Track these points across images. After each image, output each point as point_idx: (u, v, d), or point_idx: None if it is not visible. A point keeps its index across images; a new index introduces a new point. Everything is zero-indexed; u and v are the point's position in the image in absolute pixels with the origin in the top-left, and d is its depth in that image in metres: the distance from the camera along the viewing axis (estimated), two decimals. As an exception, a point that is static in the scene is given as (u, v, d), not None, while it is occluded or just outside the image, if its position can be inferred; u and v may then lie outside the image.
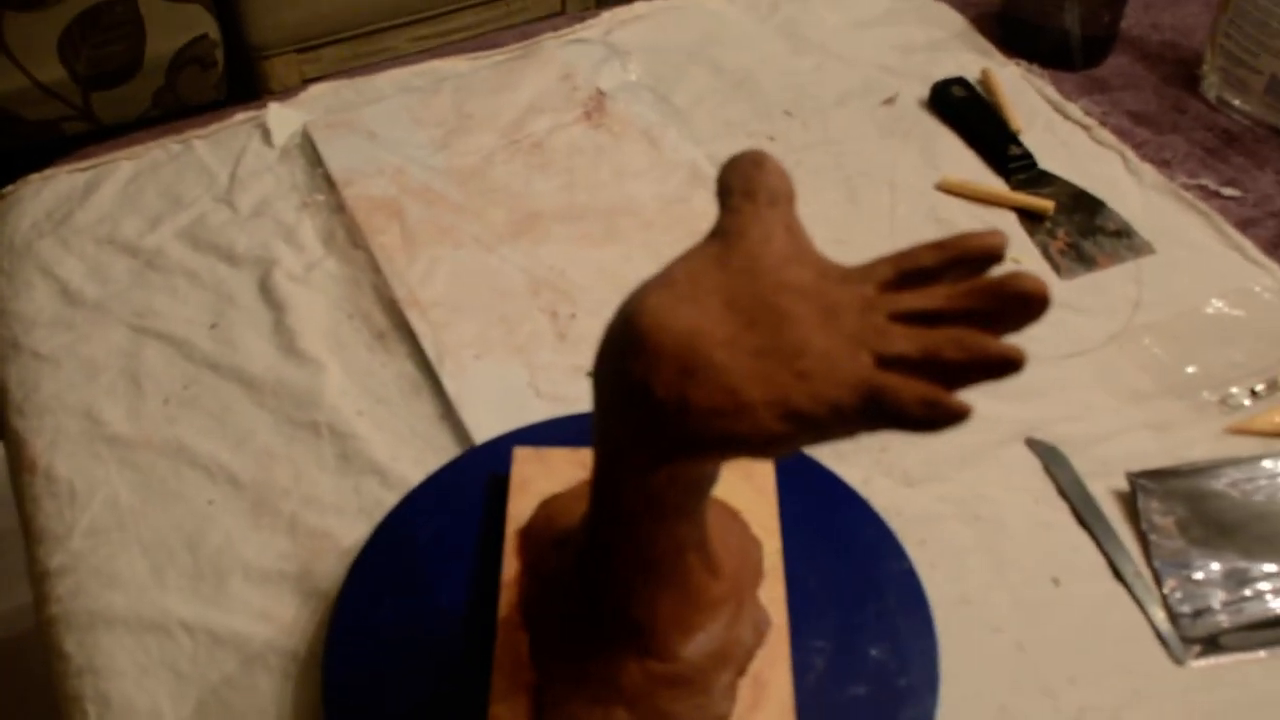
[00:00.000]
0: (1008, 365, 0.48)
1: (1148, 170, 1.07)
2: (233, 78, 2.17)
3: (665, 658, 0.66)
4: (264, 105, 1.17)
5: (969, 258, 0.51)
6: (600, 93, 1.16)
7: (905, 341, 0.49)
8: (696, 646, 0.67)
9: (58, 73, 2.00)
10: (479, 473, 0.82)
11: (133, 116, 2.09)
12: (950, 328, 0.49)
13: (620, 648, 0.66)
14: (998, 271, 0.50)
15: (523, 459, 0.80)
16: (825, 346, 0.50)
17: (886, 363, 0.49)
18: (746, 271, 0.53)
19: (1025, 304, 0.48)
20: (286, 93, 1.20)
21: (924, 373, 0.48)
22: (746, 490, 0.77)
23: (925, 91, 1.16)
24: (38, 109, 2.03)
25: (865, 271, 0.52)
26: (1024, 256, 1.00)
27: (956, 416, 0.47)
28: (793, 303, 0.51)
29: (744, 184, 0.55)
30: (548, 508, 0.76)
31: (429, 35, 2.17)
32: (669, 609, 0.66)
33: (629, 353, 0.52)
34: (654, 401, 0.51)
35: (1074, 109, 1.14)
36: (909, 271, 0.52)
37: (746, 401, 0.49)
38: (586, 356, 0.92)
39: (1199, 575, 0.78)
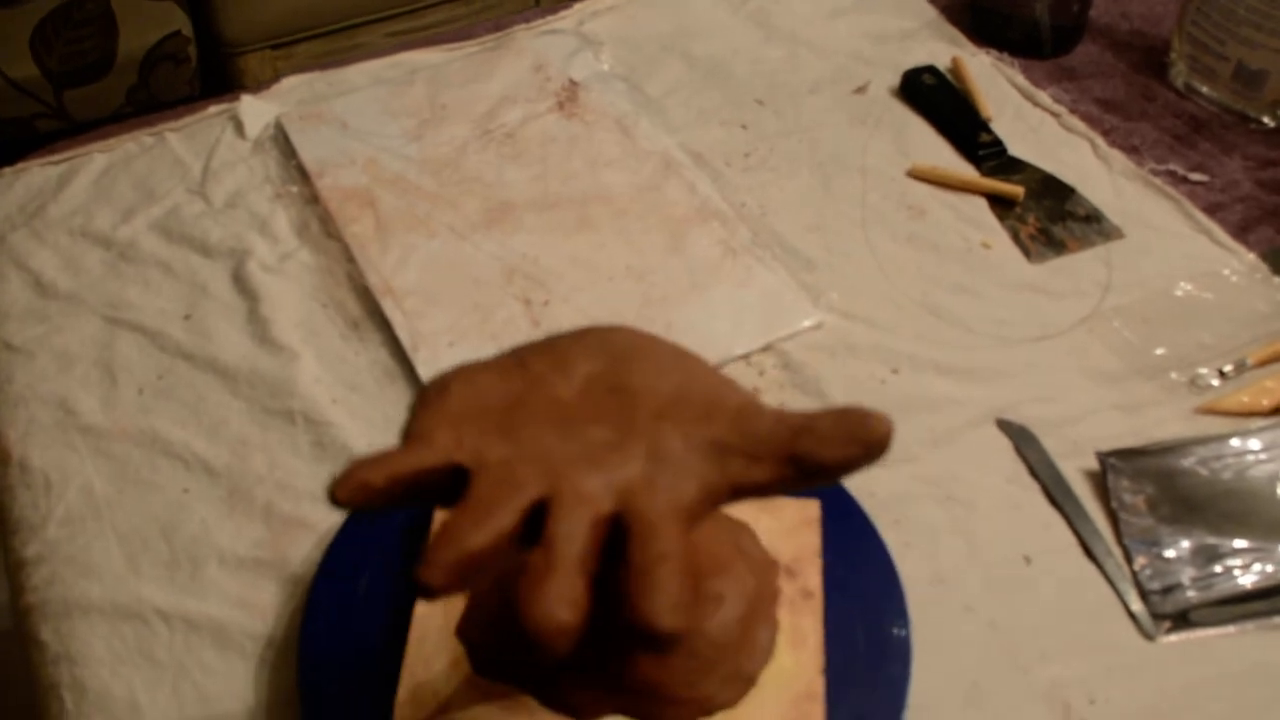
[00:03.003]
0: None
1: (1117, 156, 1.08)
2: (206, 74, 2.17)
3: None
4: (237, 98, 1.17)
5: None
6: (573, 83, 1.16)
7: None
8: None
9: (30, 70, 2.00)
10: (454, 458, 0.82)
11: (106, 113, 2.08)
12: None
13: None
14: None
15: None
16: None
17: None
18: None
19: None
20: (259, 85, 1.20)
21: None
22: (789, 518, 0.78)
23: (896, 80, 1.16)
24: (10, 106, 2.02)
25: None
26: (994, 241, 1.01)
27: None
28: None
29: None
30: None
31: (402, 31, 2.17)
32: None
33: None
34: None
35: (1044, 96, 1.15)
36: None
37: None
38: (560, 343, 0.92)
39: (1169, 552, 0.79)
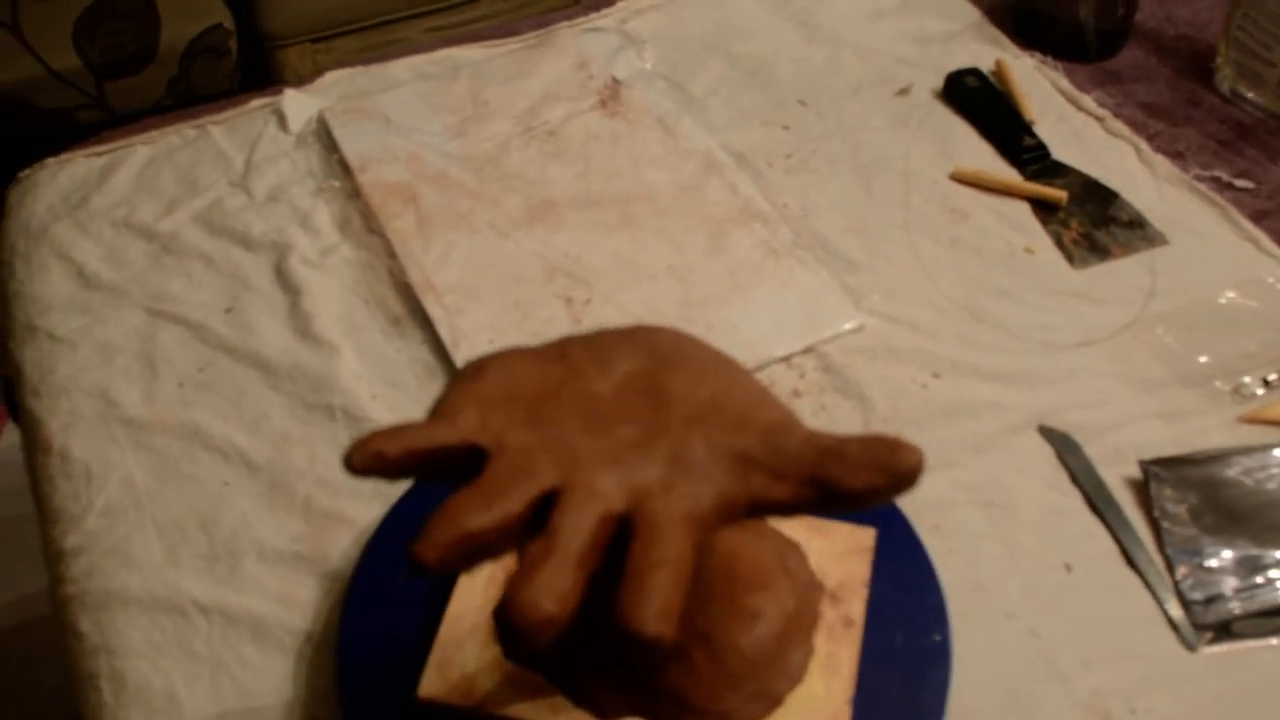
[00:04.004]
0: None
1: (1161, 162, 1.07)
2: (246, 67, 2.17)
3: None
4: (280, 91, 1.17)
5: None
6: (615, 81, 1.16)
7: None
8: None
9: (72, 61, 2.00)
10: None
11: (146, 105, 2.08)
12: None
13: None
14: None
15: None
16: None
17: None
18: None
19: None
20: (302, 79, 1.20)
21: None
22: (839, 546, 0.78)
23: (939, 82, 1.16)
24: (51, 97, 2.03)
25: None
26: (1037, 246, 1.00)
27: None
28: None
29: None
30: None
31: (443, 26, 2.17)
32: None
33: None
34: None
35: (1087, 100, 1.14)
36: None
37: None
38: (601, 342, 0.92)
39: (1211, 562, 0.78)
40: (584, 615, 0.67)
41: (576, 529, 0.50)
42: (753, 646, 0.67)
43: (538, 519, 0.52)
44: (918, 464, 0.52)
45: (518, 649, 0.48)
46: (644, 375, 0.57)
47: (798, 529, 0.73)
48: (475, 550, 0.50)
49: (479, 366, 0.58)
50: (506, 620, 0.48)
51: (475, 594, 0.73)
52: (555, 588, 0.48)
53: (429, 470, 0.54)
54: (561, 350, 0.59)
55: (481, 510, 0.50)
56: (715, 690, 0.66)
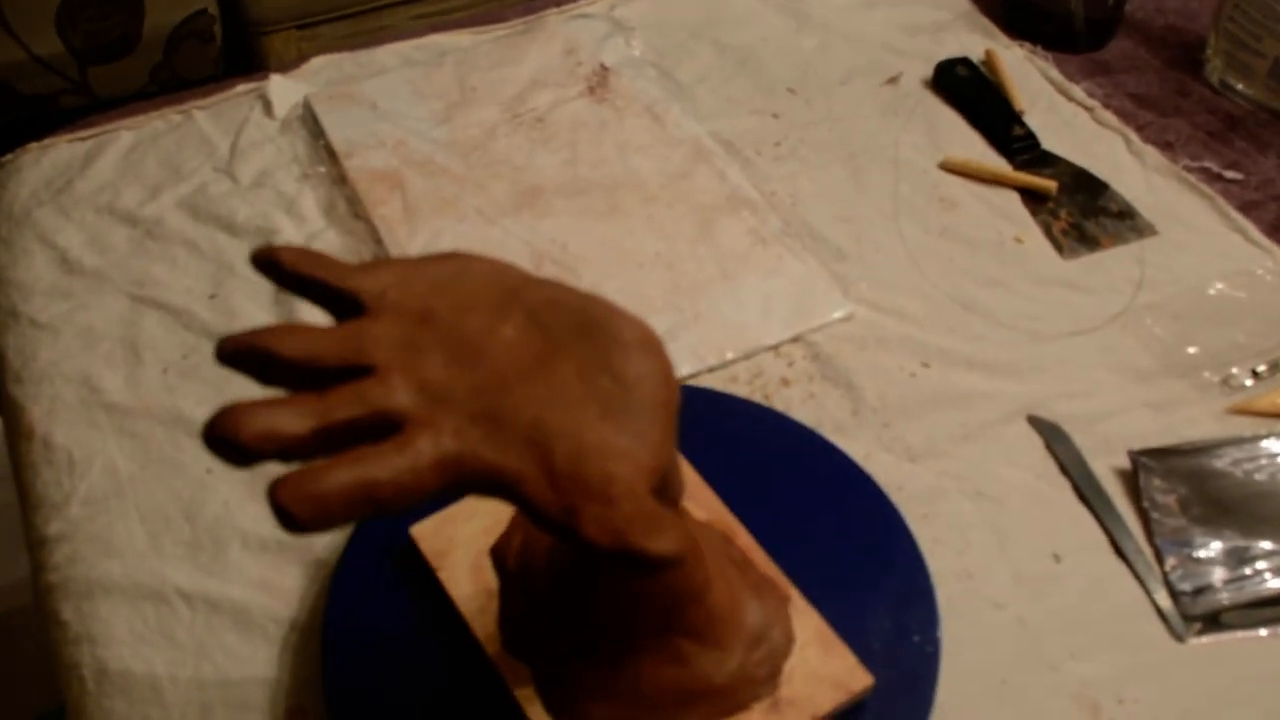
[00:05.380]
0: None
1: (1150, 152, 1.07)
2: (231, 54, 2.16)
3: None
4: (265, 77, 1.16)
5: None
6: (604, 68, 1.15)
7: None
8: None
9: (55, 46, 1.99)
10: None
11: (130, 91, 2.07)
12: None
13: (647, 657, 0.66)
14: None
15: (425, 537, 0.76)
16: None
17: None
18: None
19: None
20: (287, 66, 1.19)
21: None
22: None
23: (929, 71, 1.15)
24: (34, 82, 2.02)
25: None
26: (1026, 236, 1.00)
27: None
28: None
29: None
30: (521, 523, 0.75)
31: (429, 13, 2.16)
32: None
33: None
34: None
35: (1077, 91, 1.14)
36: None
37: None
38: (588, 330, 0.91)
39: (1200, 553, 0.78)
40: (563, 608, 0.67)
41: (350, 401, 0.48)
42: (656, 689, 0.66)
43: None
44: (659, 556, 0.48)
45: (220, 454, 0.45)
46: (550, 341, 0.54)
47: (807, 627, 0.71)
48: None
49: (446, 257, 0.56)
50: (221, 422, 0.45)
51: (465, 584, 0.73)
52: (282, 421, 0.45)
53: (309, 292, 0.53)
54: (512, 291, 0.55)
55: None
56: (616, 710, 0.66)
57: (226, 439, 0.44)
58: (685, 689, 0.65)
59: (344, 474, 0.45)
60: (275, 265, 0.52)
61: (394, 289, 0.53)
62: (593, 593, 0.64)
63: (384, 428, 0.48)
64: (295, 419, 0.46)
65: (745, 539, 0.73)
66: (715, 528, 0.74)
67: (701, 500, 0.75)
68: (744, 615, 0.67)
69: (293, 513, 0.44)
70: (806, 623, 0.70)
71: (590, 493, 0.48)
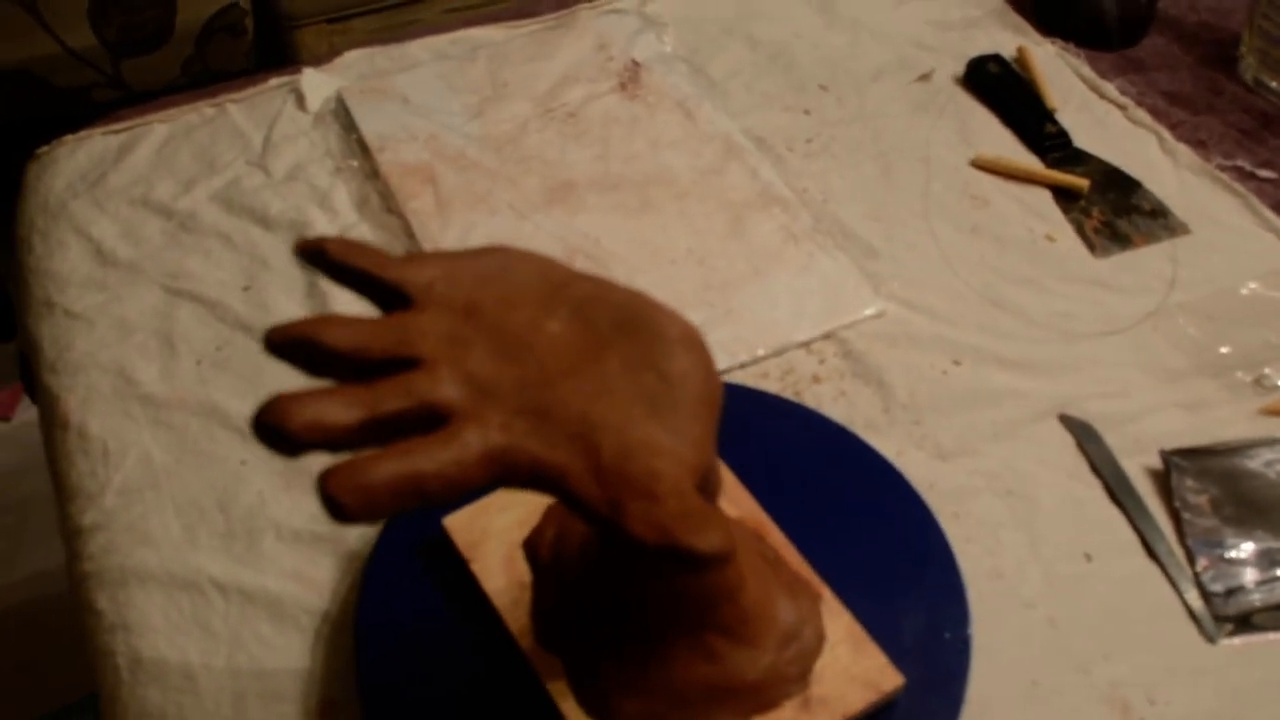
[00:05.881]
0: None
1: (1183, 151, 1.07)
2: (262, 48, 2.17)
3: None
4: (298, 70, 1.17)
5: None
6: (635, 63, 1.15)
7: None
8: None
9: (88, 39, 2.00)
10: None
11: (161, 84, 2.08)
12: None
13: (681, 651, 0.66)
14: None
15: (458, 529, 0.76)
16: None
17: None
18: None
19: None
20: (321, 58, 1.20)
21: None
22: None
23: (961, 68, 1.15)
24: (68, 75, 2.03)
25: None
26: (1058, 234, 1.00)
27: None
28: None
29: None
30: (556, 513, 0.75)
31: (460, 7, 2.16)
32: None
33: None
34: None
35: (1110, 88, 1.13)
36: None
37: None
38: (620, 325, 0.92)
39: (1232, 554, 0.78)
40: (596, 602, 0.67)
41: (397, 393, 0.48)
42: (687, 685, 0.66)
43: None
44: (706, 554, 0.48)
45: (268, 443, 0.45)
46: (595, 336, 0.54)
47: (839, 626, 0.71)
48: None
49: (490, 251, 0.56)
50: (269, 411, 0.45)
51: (498, 576, 0.73)
52: (331, 412, 0.46)
53: (354, 283, 0.53)
54: (556, 286, 0.55)
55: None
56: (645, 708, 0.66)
57: (275, 428, 0.45)
58: (717, 686, 0.66)
59: (392, 466, 0.45)
60: (321, 255, 0.53)
61: (440, 282, 0.53)
62: (627, 587, 0.65)
63: (431, 420, 0.48)
64: (343, 410, 0.46)
65: (777, 537, 0.73)
66: (747, 525, 0.74)
67: (734, 497, 0.75)
68: (776, 613, 0.67)
69: (342, 503, 0.44)
70: (838, 622, 0.70)
71: (636, 489, 0.48)
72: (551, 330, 0.53)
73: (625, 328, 0.53)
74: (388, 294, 0.53)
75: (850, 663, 0.68)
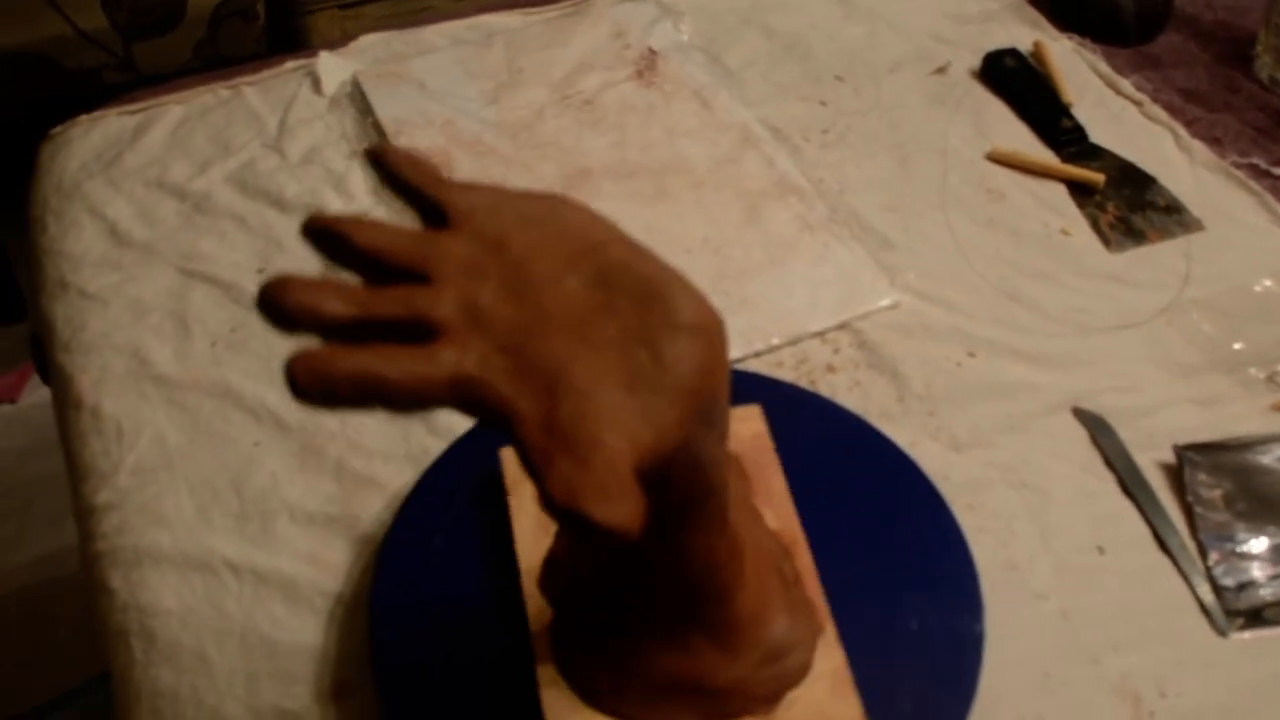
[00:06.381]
0: None
1: (1199, 147, 1.07)
2: (274, 32, 2.17)
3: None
4: (314, 54, 1.17)
5: None
6: (652, 52, 1.15)
7: None
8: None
9: (100, 21, 2.00)
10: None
11: (173, 67, 2.08)
12: None
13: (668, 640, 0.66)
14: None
15: (511, 461, 0.78)
16: None
17: None
18: None
19: None
20: (337, 42, 1.20)
21: None
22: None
23: (977, 62, 1.15)
24: (78, 57, 2.03)
25: None
26: (1074, 228, 1.00)
27: None
28: None
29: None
30: None
31: (471, -6, 2.17)
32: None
33: None
34: None
35: (1126, 84, 1.13)
36: None
37: None
38: (634, 313, 0.92)
39: (1243, 548, 0.78)
40: (596, 567, 0.68)
41: (395, 301, 0.49)
42: (656, 671, 0.66)
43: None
44: (599, 524, 0.47)
45: (266, 315, 0.47)
46: (606, 301, 0.53)
47: (828, 662, 0.69)
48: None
49: (543, 196, 0.56)
50: (272, 287, 0.47)
51: (531, 515, 0.74)
52: (327, 301, 0.47)
53: (406, 195, 0.54)
54: (593, 246, 0.55)
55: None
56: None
57: (273, 302, 0.47)
58: (681, 679, 0.66)
59: (360, 362, 0.46)
60: (381, 160, 0.54)
61: (482, 212, 0.53)
62: (627, 561, 0.65)
63: (420, 333, 0.49)
64: (339, 303, 0.48)
65: (805, 559, 0.73)
66: (780, 539, 0.73)
67: (779, 510, 0.75)
68: (767, 630, 0.67)
69: (299, 381, 0.45)
70: (829, 659, 0.69)
71: (571, 451, 0.48)
72: (567, 286, 0.53)
73: (641, 301, 0.53)
74: (431, 211, 0.54)
75: (824, 702, 0.68)
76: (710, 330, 0.54)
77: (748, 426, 0.78)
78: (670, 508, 0.56)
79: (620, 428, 0.50)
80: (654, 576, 0.63)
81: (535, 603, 0.71)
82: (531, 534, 0.74)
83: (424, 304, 0.49)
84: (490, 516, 0.77)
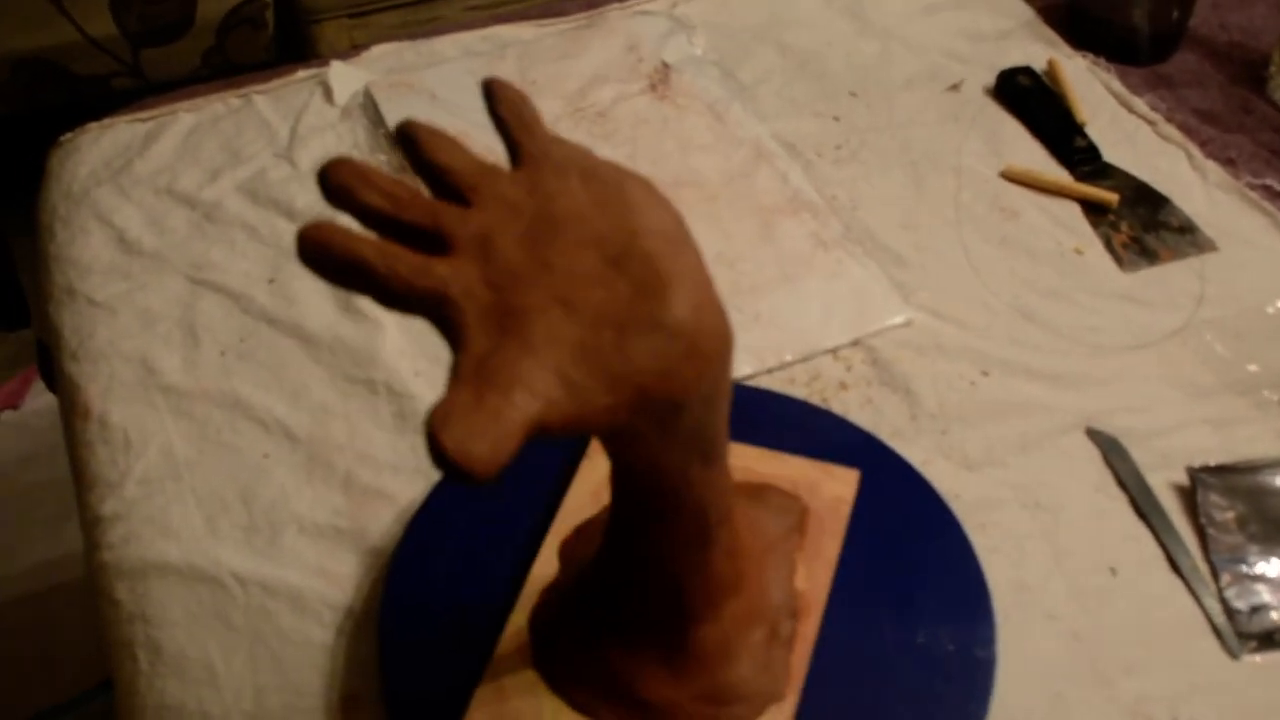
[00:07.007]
0: None
1: (1212, 168, 1.07)
2: (283, 41, 2.17)
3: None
4: (326, 63, 1.16)
5: None
6: (665, 66, 1.15)
7: None
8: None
9: (109, 28, 2.00)
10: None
11: (181, 75, 2.08)
12: None
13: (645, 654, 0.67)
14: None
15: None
16: None
17: None
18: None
19: None
20: (346, 52, 1.19)
21: None
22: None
23: (991, 79, 1.15)
24: (87, 64, 2.03)
25: None
26: (1087, 247, 0.99)
27: None
28: None
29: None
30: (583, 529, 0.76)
31: (482, 5, 2.16)
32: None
33: None
34: None
35: (1139, 104, 1.13)
36: None
37: None
38: (646, 327, 0.92)
39: (1256, 571, 0.78)
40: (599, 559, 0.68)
41: (426, 210, 0.52)
42: (605, 670, 0.68)
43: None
44: (446, 452, 0.46)
45: (321, 183, 0.52)
46: (606, 276, 0.53)
47: None
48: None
49: (622, 174, 0.57)
50: (333, 164, 0.52)
51: (581, 495, 0.76)
52: (367, 190, 0.51)
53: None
54: (631, 234, 0.54)
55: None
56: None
57: (324, 173, 0.51)
58: (619, 684, 0.67)
59: (355, 244, 0.49)
60: (490, 91, 0.59)
61: (551, 163, 0.56)
62: (618, 567, 0.66)
63: (434, 245, 0.51)
64: (377, 196, 0.51)
65: (810, 627, 0.72)
66: (798, 600, 0.72)
67: (816, 575, 0.74)
68: (724, 671, 0.67)
69: (301, 243, 0.50)
70: None
71: (478, 388, 0.48)
72: (583, 255, 0.52)
73: (640, 290, 0.52)
74: (511, 149, 0.57)
75: None
76: (695, 340, 0.53)
77: (834, 488, 0.78)
78: (633, 506, 0.62)
79: (539, 387, 0.49)
80: (629, 575, 0.65)
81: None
82: (578, 499, 0.75)
83: (448, 221, 0.52)
84: (500, 531, 0.76)
